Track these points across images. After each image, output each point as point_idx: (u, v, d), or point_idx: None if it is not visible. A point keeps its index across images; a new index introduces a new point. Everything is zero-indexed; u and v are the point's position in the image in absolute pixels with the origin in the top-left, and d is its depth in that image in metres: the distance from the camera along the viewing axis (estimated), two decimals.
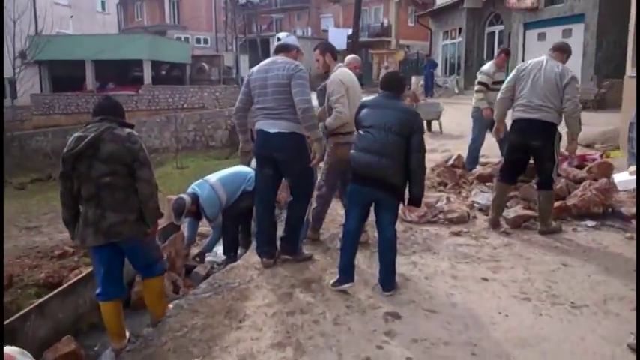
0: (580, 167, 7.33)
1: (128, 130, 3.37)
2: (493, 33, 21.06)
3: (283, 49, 4.13)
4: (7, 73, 20.75)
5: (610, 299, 3.54)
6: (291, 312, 3.38)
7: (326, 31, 38.55)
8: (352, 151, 3.63)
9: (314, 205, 4.53)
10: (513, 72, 5.01)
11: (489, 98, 6.84)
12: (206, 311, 3.43)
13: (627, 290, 3.62)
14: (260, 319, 3.31)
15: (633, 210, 5.11)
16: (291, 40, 4.26)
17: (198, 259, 5.20)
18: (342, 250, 3.74)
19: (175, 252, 4.50)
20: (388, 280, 3.65)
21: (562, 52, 4.93)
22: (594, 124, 11.45)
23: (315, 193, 4.51)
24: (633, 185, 2.77)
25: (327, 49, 4.58)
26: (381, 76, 3.91)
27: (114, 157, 3.22)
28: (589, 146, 9.44)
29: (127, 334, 3.46)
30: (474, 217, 5.42)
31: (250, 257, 4.40)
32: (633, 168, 2.54)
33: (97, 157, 3.21)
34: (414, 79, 23.64)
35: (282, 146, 3.94)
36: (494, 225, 5.02)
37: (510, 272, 4.00)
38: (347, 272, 3.65)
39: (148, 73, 24.10)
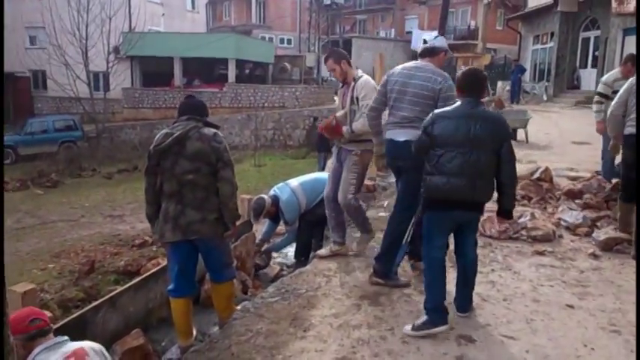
0: None
1: (214, 130, 3.44)
2: (588, 39, 19.80)
3: (430, 53, 3.82)
4: (101, 67, 22.06)
5: None
6: (358, 325, 3.27)
7: (410, 33, 38.04)
8: (428, 177, 3.15)
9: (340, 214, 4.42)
10: (626, 85, 4.62)
11: (607, 109, 6.41)
12: (272, 317, 3.39)
13: None
14: (325, 330, 3.22)
15: None
16: (439, 42, 3.88)
17: (264, 255, 5.24)
18: (429, 287, 3.22)
19: (246, 252, 4.53)
20: (467, 302, 3.41)
21: None
22: None
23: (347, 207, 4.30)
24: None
25: (341, 57, 4.30)
26: (458, 75, 3.39)
27: (199, 154, 3.29)
28: None
29: (194, 332, 3.50)
30: (560, 236, 5.05)
31: (319, 263, 4.34)
32: None
33: (182, 154, 3.28)
34: (499, 84, 22.72)
35: (408, 154, 3.55)
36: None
37: (599, 300, 3.66)
38: (439, 312, 3.17)
39: (232, 72, 24.85)
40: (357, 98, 4.14)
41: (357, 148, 4.22)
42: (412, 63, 3.89)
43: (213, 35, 29.38)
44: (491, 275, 4.12)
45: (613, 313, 3.46)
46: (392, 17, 41.32)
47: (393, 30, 40.65)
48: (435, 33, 4.29)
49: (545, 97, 20.65)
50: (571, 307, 3.56)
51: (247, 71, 28.64)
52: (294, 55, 32.22)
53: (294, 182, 5.20)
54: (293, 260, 5.24)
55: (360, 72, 4.28)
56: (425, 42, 3.90)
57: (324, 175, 5.35)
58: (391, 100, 3.82)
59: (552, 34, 21.46)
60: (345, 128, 4.15)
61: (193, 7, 33.50)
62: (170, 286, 3.46)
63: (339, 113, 4.38)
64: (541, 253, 4.60)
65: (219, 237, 3.42)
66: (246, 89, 24.09)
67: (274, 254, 5.49)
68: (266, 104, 23.54)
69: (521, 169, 8.25)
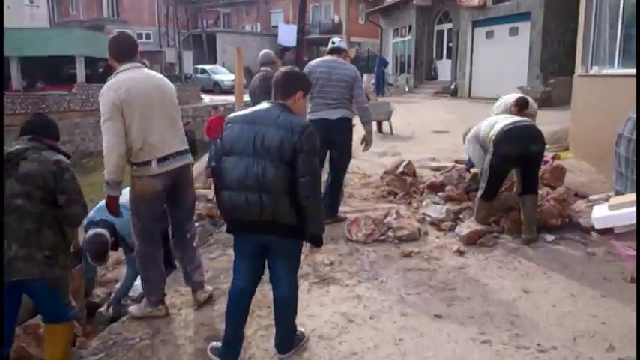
0: None
1: (61, 156, 2.88)
2: (442, 31, 20.91)
3: (338, 51, 5.11)
4: None
5: (580, 337, 3.06)
6: None
7: (276, 27, 37.77)
8: (220, 192, 2.74)
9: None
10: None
11: None
12: None
13: (597, 324, 3.16)
14: None
15: (592, 220, 4.73)
16: (343, 44, 5.24)
17: (110, 309, 4.29)
18: (227, 318, 2.88)
19: (73, 291, 3.72)
20: (284, 343, 2.94)
21: None
22: (543, 122, 11.24)
23: None
24: (615, 223, 1.98)
25: None
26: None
27: (32, 177, 2.74)
28: None
29: None
30: (426, 234, 4.90)
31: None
32: (617, 200, 1.94)
33: (13, 175, 2.73)
34: (365, 77, 23.22)
35: (342, 128, 4.95)
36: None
37: (467, 305, 3.48)
38: (230, 346, 2.85)
39: (81, 71, 22.47)
40: None
41: None
42: (328, 57, 5.08)
43: (54, 31, 26.39)
44: (358, 288, 3.79)
45: (482, 319, 3.27)
46: (256, 11, 40.80)
47: (258, 24, 40.13)
48: (338, 38, 5.51)
49: (406, 89, 21.49)
50: (440, 317, 3.32)
51: (101, 70, 26.34)
52: (153, 51, 30.40)
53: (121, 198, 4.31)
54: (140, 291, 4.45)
55: None
56: (333, 43, 5.17)
57: None
58: (317, 87, 4.74)
59: (410, 28, 22.36)
60: None
61: (31, 0, 29.99)
62: None
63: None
64: (408, 255, 4.38)
65: (54, 279, 2.83)
66: (99, 89, 21.93)
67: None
68: None
69: (387, 162, 8.28)
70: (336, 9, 36.22)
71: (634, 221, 1.96)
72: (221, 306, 3.52)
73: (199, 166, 13.26)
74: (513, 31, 15.97)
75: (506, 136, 4.49)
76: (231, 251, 4.64)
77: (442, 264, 4.19)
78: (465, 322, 3.24)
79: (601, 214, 2.08)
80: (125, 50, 3.35)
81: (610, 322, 3.15)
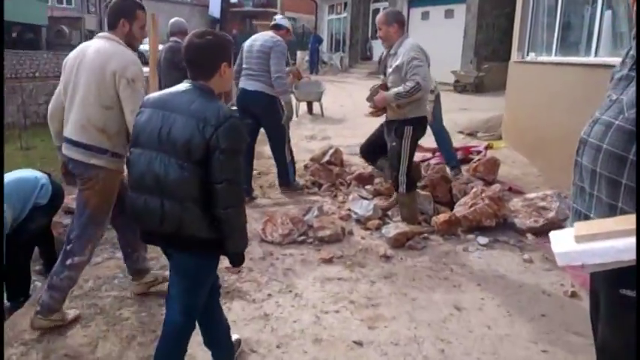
0: (465, 161, 6.67)
1: None
2: (378, 9, 20.43)
3: (276, 27, 5.26)
4: None
5: None
6: None
7: None
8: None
9: None
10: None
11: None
12: None
13: (537, 353, 2.74)
14: None
15: (528, 221, 4.39)
16: (283, 22, 5.37)
17: None
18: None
19: None
20: None
21: None
22: (475, 108, 11.10)
23: None
24: (586, 260, 1.49)
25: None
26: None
27: None
28: (472, 135, 8.91)
29: None
30: (350, 233, 4.39)
31: (23, 319, 2.96)
32: (585, 228, 1.46)
33: None
34: (299, 54, 22.54)
35: (259, 102, 5.01)
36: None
37: (392, 327, 2.97)
38: None
39: None
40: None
41: None
42: (260, 33, 5.26)
43: None
44: (266, 305, 3.20)
45: (408, 347, 2.78)
46: None
47: None
48: (280, 16, 5.88)
49: (340, 68, 20.96)
50: (360, 344, 2.80)
51: (14, 35, 24.05)
52: (74, 17, 28.05)
53: None
54: (7, 305, 3.67)
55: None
56: (275, 19, 5.40)
57: (31, 173, 3.85)
58: (244, 59, 5.10)
59: (346, 5, 21.77)
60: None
61: None
62: None
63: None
64: (329, 261, 3.84)
65: None
66: (9, 56, 20.04)
67: None
68: (37, 74, 19.95)
69: (315, 147, 7.70)
70: None
71: (613, 258, 1.43)
72: (96, 329, 2.85)
73: None
74: (449, 14, 15.75)
75: None
76: (119, 254, 3.96)
77: (366, 272, 3.68)
78: (388, 352, 2.73)
79: (565, 249, 1.57)
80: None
81: (552, 350, 2.74)
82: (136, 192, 2.11)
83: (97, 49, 2.79)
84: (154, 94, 2.22)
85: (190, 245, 2.09)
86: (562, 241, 1.69)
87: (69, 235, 2.93)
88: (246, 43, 5.16)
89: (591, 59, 5.42)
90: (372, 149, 4.62)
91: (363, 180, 5.42)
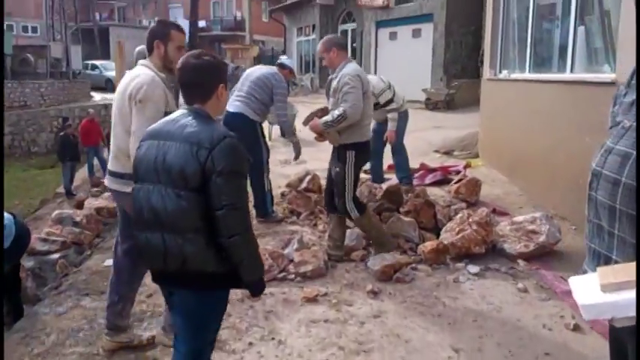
0: (445, 182, 6.53)
1: None
2: (346, 31, 20.51)
3: (280, 66, 5.32)
4: None
5: None
6: None
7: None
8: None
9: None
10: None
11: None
12: None
13: None
14: None
15: (518, 246, 4.21)
16: (288, 62, 5.56)
17: None
18: None
19: None
20: None
21: None
22: (448, 125, 11.04)
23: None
24: (616, 314, 1.30)
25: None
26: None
27: None
28: (448, 153, 8.81)
29: None
30: (333, 267, 4.13)
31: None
32: (611, 274, 1.28)
33: None
34: None
35: (236, 123, 4.60)
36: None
37: None
38: None
39: None
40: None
41: None
42: (266, 66, 5.53)
43: None
44: (247, 355, 2.92)
45: None
46: (154, 5, 38.49)
47: (156, 19, 37.82)
48: (285, 57, 6.37)
49: (311, 89, 20.88)
50: None
51: None
52: (39, 46, 27.36)
53: None
54: None
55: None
56: (280, 59, 5.63)
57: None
58: (239, 85, 5.13)
59: (314, 27, 21.80)
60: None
61: None
62: None
63: None
64: (313, 300, 3.57)
65: None
66: None
67: None
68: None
69: (290, 172, 7.47)
70: (238, 5, 34.97)
71: None
72: None
73: (83, 173, 11.76)
74: (416, 33, 15.82)
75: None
76: (85, 302, 3.63)
77: (354, 311, 3.42)
78: None
79: (592, 300, 1.36)
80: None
81: None
82: (138, 229, 2.00)
83: (127, 76, 2.78)
84: (153, 125, 2.06)
85: (196, 282, 1.91)
86: (584, 289, 1.48)
87: None
88: (247, 71, 5.35)
89: (567, 76, 5.35)
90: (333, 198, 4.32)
91: None
